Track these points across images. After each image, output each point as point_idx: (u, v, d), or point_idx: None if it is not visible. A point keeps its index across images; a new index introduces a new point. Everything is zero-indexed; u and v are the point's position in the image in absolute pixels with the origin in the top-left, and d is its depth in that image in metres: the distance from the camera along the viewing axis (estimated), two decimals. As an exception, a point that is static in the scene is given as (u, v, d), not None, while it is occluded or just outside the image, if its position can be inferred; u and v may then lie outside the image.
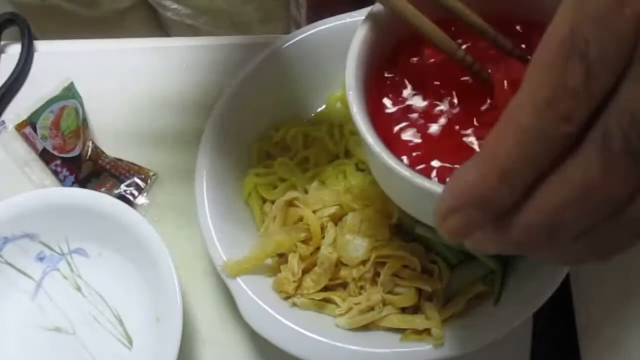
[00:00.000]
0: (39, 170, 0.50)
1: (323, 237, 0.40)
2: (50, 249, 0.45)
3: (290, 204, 0.41)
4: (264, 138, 0.46)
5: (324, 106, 0.48)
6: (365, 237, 0.39)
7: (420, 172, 0.29)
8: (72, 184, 0.48)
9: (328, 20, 0.46)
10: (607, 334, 0.42)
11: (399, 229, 0.40)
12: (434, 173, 0.30)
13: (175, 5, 0.64)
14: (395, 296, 0.38)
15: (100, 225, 0.43)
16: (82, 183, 0.48)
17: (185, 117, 0.51)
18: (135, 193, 0.48)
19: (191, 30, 0.67)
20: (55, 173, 0.49)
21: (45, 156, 0.49)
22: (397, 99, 0.33)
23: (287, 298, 0.40)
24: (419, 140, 0.31)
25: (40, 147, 0.50)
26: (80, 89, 0.52)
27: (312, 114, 0.48)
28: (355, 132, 0.44)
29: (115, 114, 0.52)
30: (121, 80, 0.53)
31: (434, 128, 0.31)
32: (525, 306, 0.37)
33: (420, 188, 0.27)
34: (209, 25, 0.66)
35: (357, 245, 0.38)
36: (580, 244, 0.23)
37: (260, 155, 0.45)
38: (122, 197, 0.47)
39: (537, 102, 0.21)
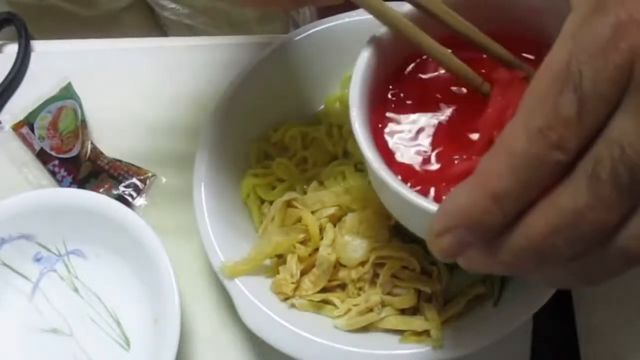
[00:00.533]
0: (37, 171, 0.49)
1: (322, 238, 0.40)
2: (48, 249, 0.44)
3: (289, 204, 0.41)
4: (262, 138, 0.46)
5: (322, 106, 0.47)
6: (364, 238, 0.39)
7: (417, 188, 0.29)
8: (70, 185, 0.48)
9: (327, 20, 0.46)
10: (607, 334, 0.42)
11: (398, 230, 0.40)
12: (431, 191, 0.30)
13: (173, 5, 0.64)
14: (395, 297, 0.38)
15: (98, 226, 0.43)
16: (81, 184, 0.48)
17: (183, 118, 0.50)
18: (134, 194, 0.48)
19: (189, 30, 0.67)
20: (53, 173, 0.49)
21: (43, 156, 0.49)
22: (400, 114, 0.33)
23: (285, 299, 0.40)
24: (418, 157, 0.32)
25: (37, 148, 0.50)
26: (77, 88, 0.51)
27: (311, 114, 0.48)
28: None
29: (113, 114, 0.51)
30: (119, 80, 0.53)
31: (434, 145, 0.32)
32: (525, 307, 0.37)
33: (415, 206, 0.28)
34: (207, 25, 0.66)
35: (356, 247, 0.38)
36: (569, 269, 0.23)
37: (258, 156, 0.45)
38: (120, 198, 0.47)
39: (531, 129, 0.21)
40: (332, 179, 0.43)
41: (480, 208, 0.22)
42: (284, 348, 0.37)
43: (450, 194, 0.24)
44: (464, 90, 0.33)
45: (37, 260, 0.44)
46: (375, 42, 0.32)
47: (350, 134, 0.44)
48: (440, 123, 0.32)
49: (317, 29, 0.46)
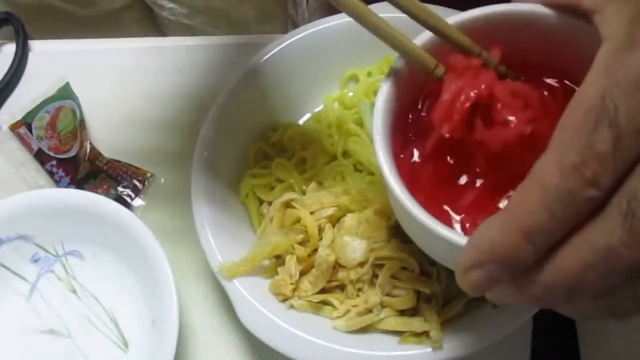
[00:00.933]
0: (34, 171, 0.49)
1: (321, 239, 0.39)
2: (45, 250, 0.44)
3: (288, 205, 0.41)
4: (261, 139, 0.45)
5: (321, 106, 0.47)
6: (363, 238, 0.38)
7: (439, 215, 0.29)
8: (68, 185, 0.48)
9: (325, 20, 0.46)
10: (607, 334, 0.42)
11: (397, 230, 0.39)
12: (452, 216, 0.30)
13: (171, 5, 0.64)
14: (394, 298, 0.38)
15: (96, 227, 0.43)
16: (79, 184, 0.48)
17: (181, 118, 0.50)
18: (133, 194, 0.48)
19: (187, 30, 0.67)
20: (51, 174, 0.49)
21: (41, 157, 0.49)
22: (420, 142, 0.32)
23: (284, 300, 0.39)
24: (439, 183, 0.31)
25: (35, 148, 0.49)
26: (75, 88, 0.51)
27: (310, 115, 0.47)
28: (353, 133, 0.44)
29: (111, 115, 0.51)
30: (117, 80, 0.53)
31: (454, 172, 0.31)
32: (525, 309, 0.36)
33: (443, 239, 0.27)
34: (205, 25, 0.65)
35: (355, 247, 0.38)
36: (599, 304, 0.23)
37: (257, 156, 0.45)
38: (119, 199, 0.47)
39: (564, 165, 0.21)
40: (331, 180, 0.43)
41: (511, 244, 0.22)
42: (283, 349, 0.37)
43: (480, 228, 0.24)
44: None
45: (35, 261, 0.44)
46: (397, 69, 0.31)
47: (350, 134, 0.44)
48: (457, 151, 0.32)
49: (315, 28, 0.46)
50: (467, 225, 0.29)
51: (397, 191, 0.29)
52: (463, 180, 0.31)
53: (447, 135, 0.29)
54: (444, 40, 0.31)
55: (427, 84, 0.33)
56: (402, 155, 0.32)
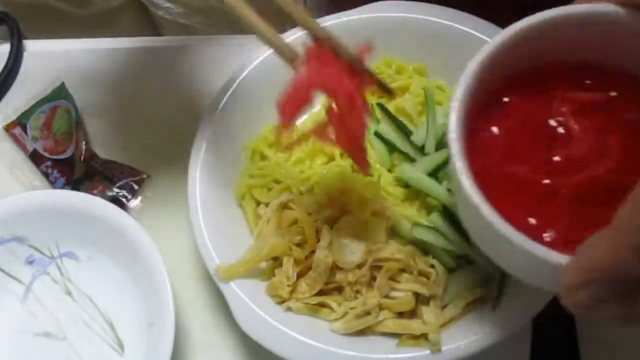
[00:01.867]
0: (29, 172, 0.49)
1: (318, 241, 0.39)
2: (40, 252, 0.44)
3: (285, 206, 0.41)
4: (258, 139, 0.45)
5: (319, 106, 0.47)
6: (361, 240, 0.38)
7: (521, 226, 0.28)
8: (64, 186, 0.48)
9: (322, 20, 0.46)
10: (607, 336, 0.41)
11: (395, 232, 0.39)
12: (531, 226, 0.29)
13: (167, 4, 0.63)
14: (392, 300, 0.38)
15: (92, 229, 0.42)
16: (75, 185, 0.48)
17: (178, 118, 0.50)
18: (129, 195, 0.47)
19: (184, 30, 0.66)
20: (46, 175, 0.48)
21: (36, 157, 0.49)
22: (493, 144, 0.31)
23: (281, 302, 0.39)
24: (516, 191, 0.30)
25: (30, 148, 0.49)
26: (70, 89, 0.51)
27: (307, 115, 0.47)
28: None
29: (107, 115, 0.51)
30: (112, 80, 0.52)
31: (527, 176, 0.30)
32: (524, 311, 0.36)
33: (535, 256, 0.26)
34: (202, 25, 0.65)
35: (353, 249, 0.38)
36: None
37: (254, 157, 0.45)
38: (115, 200, 0.47)
39: None
40: (329, 180, 0.42)
41: (619, 261, 0.22)
42: (280, 352, 0.37)
43: (584, 246, 0.23)
44: (552, 125, 0.31)
45: (30, 262, 0.44)
46: (476, 69, 0.30)
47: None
48: (534, 156, 0.31)
49: (313, 28, 0.46)
50: (545, 235, 0.28)
51: (487, 212, 0.27)
52: (547, 188, 0.30)
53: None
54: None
55: (505, 84, 0.32)
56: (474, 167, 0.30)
